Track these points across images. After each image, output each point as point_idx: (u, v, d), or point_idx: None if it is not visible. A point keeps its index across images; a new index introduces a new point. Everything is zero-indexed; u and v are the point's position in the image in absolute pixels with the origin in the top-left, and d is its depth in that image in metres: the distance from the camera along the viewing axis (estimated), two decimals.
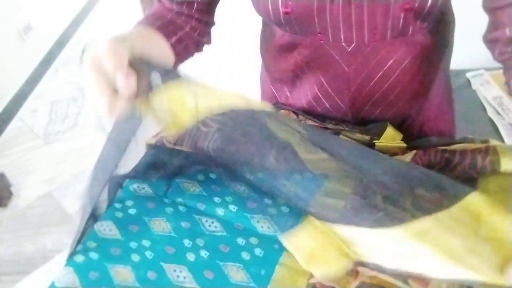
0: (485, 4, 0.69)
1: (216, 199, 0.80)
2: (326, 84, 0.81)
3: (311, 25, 0.73)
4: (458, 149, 0.74)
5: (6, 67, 2.44)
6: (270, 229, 0.75)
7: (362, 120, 0.85)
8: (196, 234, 0.74)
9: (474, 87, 1.50)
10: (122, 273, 0.68)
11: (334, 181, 0.71)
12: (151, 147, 0.86)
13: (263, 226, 0.75)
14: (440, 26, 0.78)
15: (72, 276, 0.68)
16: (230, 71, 2.19)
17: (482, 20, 0.74)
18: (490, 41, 0.72)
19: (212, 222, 0.76)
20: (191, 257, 0.71)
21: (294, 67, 0.83)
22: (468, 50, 1.18)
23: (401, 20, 0.69)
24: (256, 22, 0.89)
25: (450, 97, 0.96)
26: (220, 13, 0.87)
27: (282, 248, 0.71)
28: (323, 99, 0.84)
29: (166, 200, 0.81)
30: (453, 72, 1.24)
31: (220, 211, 0.78)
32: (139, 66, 0.60)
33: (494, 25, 0.70)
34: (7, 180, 2.01)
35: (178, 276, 0.68)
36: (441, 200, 0.64)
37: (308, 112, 0.88)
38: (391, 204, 0.65)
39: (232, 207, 0.78)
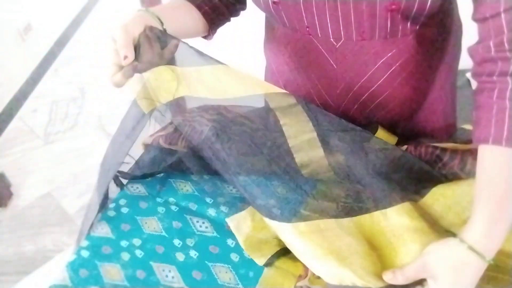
0: (472, 15, 0.66)
1: (208, 200, 0.80)
2: (316, 81, 0.81)
3: (299, 18, 0.73)
4: (450, 147, 0.73)
5: (6, 67, 2.45)
6: None
7: (353, 121, 0.85)
8: (186, 234, 0.74)
9: (474, 87, 1.49)
10: (111, 271, 0.69)
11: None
12: (147, 146, 0.86)
13: None
14: (439, 32, 0.76)
15: (62, 273, 0.69)
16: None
17: None
18: (468, 53, 0.69)
19: (203, 223, 0.76)
20: (180, 257, 0.71)
21: (288, 61, 0.83)
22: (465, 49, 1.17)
23: (388, 20, 0.68)
24: (260, 19, 0.90)
25: (454, 107, 0.93)
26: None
27: None
28: (314, 96, 0.84)
29: (159, 200, 0.81)
30: None
31: (211, 212, 0.78)
32: (151, 36, 0.69)
33: (478, 38, 0.67)
34: (7, 180, 2.02)
35: (166, 276, 0.68)
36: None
37: None
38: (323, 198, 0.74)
39: (224, 208, 0.79)
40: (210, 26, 0.83)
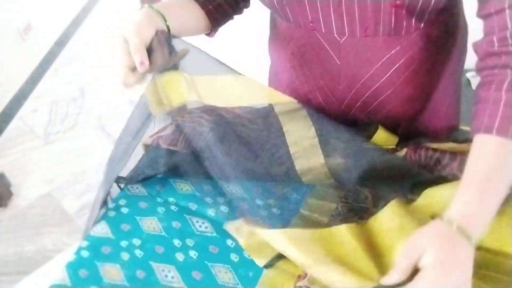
0: (477, 12, 0.68)
1: (208, 200, 0.80)
2: (319, 77, 0.81)
3: (303, 13, 0.73)
4: (449, 149, 0.73)
5: (6, 67, 2.45)
6: None
7: (354, 120, 0.85)
8: (186, 234, 0.75)
9: (474, 87, 1.49)
10: (111, 271, 0.69)
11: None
12: (147, 147, 0.86)
13: None
14: (443, 32, 0.76)
15: (62, 273, 0.69)
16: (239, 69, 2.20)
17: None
18: (473, 48, 0.70)
19: (203, 223, 0.77)
20: (180, 257, 0.71)
21: (291, 57, 0.83)
22: (468, 50, 1.17)
23: (393, 17, 0.68)
24: (264, 17, 0.90)
25: (457, 109, 0.93)
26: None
27: None
28: (317, 92, 0.84)
29: (159, 200, 0.81)
30: None
31: (211, 212, 0.78)
32: (162, 41, 0.70)
33: (483, 33, 0.69)
34: (7, 180, 2.01)
35: (166, 276, 0.68)
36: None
37: None
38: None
39: (224, 208, 0.79)
40: (212, 25, 0.83)
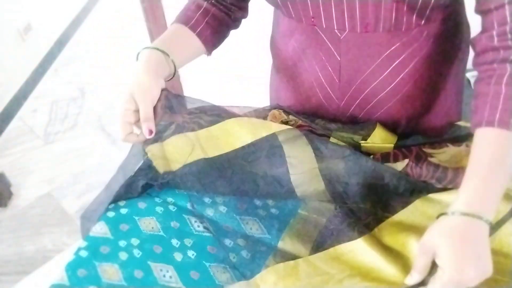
0: (475, 7, 0.68)
1: (207, 200, 0.80)
2: (319, 73, 0.81)
3: (305, 8, 0.73)
4: (451, 166, 0.73)
5: (6, 67, 2.45)
6: (259, 231, 0.75)
7: (353, 118, 0.85)
8: (184, 234, 0.74)
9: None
10: (109, 271, 0.69)
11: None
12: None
13: (252, 228, 0.75)
14: (443, 31, 0.76)
15: (61, 273, 0.69)
16: (240, 71, 2.20)
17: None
18: (470, 43, 0.71)
19: (202, 223, 0.76)
20: (178, 257, 0.71)
21: (292, 54, 0.84)
22: (469, 50, 1.16)
23: (394, 12, 0.68)
24: (265, 21, 0.90)
25: (458, 110, 0.92)
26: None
27: (269, 251, 0.71)
28: (316, 89, 0.84)
29: (157, 200, 0.81)
30: None
31: (209, 212, 0.78)
32: (166, 105, 0.74)
33: (481, 29, 0.69)
34: (7, 180, 2.02)
35: (164, 276, 0.68)
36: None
37: (302, 107, 0.89)
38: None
39: (222, 208, 0.79)
40: (210, 50, 0.86)
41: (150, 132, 0.72)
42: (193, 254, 0.71)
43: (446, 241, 0.58)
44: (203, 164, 0.79)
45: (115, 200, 0.80)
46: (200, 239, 0.74)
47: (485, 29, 0.67)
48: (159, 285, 0.67)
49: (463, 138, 0.78)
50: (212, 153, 0.78)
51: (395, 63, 0.76)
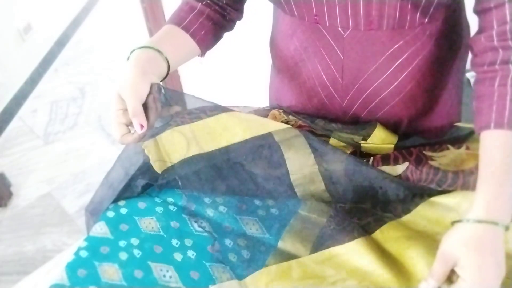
0: (474, 7, 0.68)
1: (207, 200, 0.80)
2: (322, 72, 0.81)
3: (308, 6, 0.73)
4: (451, 169, 0.73)
5: (6, 67, 2.45)
6: (259, 231, 0.75)
7: (355, 117, 0.85)
8: (184, 234, 0.74)
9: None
10: (109, 271, 0.69)
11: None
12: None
13: (251, 228, 0.75)
14: (446, 30, 0.76)
15: (61, 273, 0.69)
16: (240, 71, 2.19)
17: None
18: (469, 45, 0.71)
19: (202, 223, 0.76)
20: (178, 257, 0.71)
21: (293, 53, 0.83)
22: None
23: (398, 10, 0.68)
24: (267, 23, 0.90)
25: (459, 110, 0.92)
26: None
27: (268, 251, 0.71)
28: (319, 89, 0.83)
29: (157, 199, 0.81)
30: None
31: (209, 212, 0.78)
32: (157, 98, 0.71)
33: (478, 29, 0.69)
34: (7, 180, 2.02)
35: (164, 276, 0.68)
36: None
37: (304, 107, 0.89)
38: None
39: (222, 208, 0.79)
40: (203, 51, 0.84)
41: (142, 126, 0.69)
42: (193, 254, 0.71)
43: (467, 252, 0.59)
44: (200, 161, 0.78)
45: (115, 200, 0.80)
46: (200, 239, 0.74)
47: (483, 29, 0.66)
48: (159, 285, 0.67)
49: (463, 139, 0.78)
50: (208, 147, 0.77)
51: (398, 62, 0.76)
